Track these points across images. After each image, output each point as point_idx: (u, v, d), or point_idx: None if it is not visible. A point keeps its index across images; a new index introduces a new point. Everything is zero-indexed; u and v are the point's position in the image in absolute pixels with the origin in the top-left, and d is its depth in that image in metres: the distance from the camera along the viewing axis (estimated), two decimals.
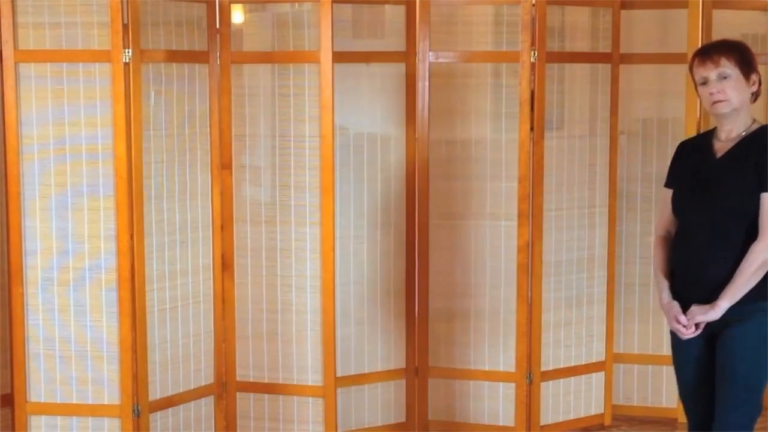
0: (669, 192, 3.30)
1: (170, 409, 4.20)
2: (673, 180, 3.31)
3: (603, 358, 4.68)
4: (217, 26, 4.27)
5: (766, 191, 3.03)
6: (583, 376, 4.65)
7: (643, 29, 4.65)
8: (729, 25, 4.60)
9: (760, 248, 3.01)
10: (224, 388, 4.43)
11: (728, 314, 3.05)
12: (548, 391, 4.55)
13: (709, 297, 3.07)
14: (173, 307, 4.20)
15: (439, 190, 4.48)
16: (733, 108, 3.09)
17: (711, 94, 3.09)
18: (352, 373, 4.43)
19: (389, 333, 4.51)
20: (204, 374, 4.36)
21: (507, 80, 4.39)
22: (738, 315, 3.04)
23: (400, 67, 4.40)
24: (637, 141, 4.73)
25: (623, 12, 4.55)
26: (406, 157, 4.45)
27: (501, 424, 4.53)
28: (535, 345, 4.46)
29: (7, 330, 4.06)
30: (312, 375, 4.37)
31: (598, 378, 4.69)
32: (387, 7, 4.41)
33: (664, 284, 3.24)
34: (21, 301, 4.01)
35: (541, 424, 4.54)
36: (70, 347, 4.04)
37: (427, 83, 4.41)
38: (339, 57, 4.22)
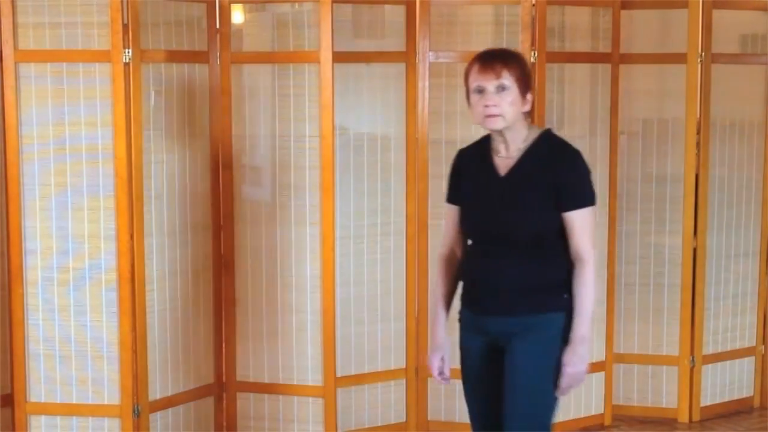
0: (452, 208, 3.08)
1: (170, 409, 4.20)
2: (457, 197, 3.08)
3: (603, 358, 4.68)
4: (217, 26, 4.26)
5: (569, 210, 2.94)
6: None
7: (643, 29, 4.64)
8: (729, 25, 4.61)
9: (587, 274, 2.93)
10: (224, 388, 4.43)
11: (512, 326, 2.92)
12: None
13: (505, 310, 2.93)
14: (173, 307, 4.20)
15: (439, 190, 4.47)
16: (506, 125, 2.89)
17: (486, 106, 2.86)
18: (352, 373, 4.42)
19: (389, 333, 4.51)
20: (204, 374, 4.36)
21: None
22: (523, 326, 2.91)
23: (400, 67, 4.40)
24: (637, 141, 4.73)
25: (623, 12, 4.55)
26: (406, 157, 4.45)
27: None
28: None
29: (7, 330, 4.06)
30: (312, 375, 4.37)
31: (598, 378, 4.68)
32: (387, 7, 4.40)
33: (442, 318, 3.09)
34: (21, 301, 4.01)
35: None
36: (70, 347, 4.04)
37: (427, 83, 4.41)
38: (339, 57, 4.21)
